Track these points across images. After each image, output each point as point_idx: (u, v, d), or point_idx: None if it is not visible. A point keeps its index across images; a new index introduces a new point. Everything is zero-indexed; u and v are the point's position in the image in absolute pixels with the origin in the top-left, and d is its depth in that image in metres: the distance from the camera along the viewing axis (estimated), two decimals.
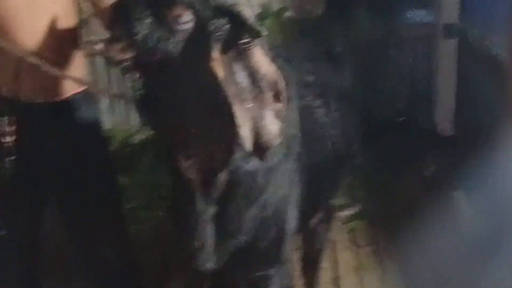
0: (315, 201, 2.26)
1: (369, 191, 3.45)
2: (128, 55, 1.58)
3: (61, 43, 2.07)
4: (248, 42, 1.59)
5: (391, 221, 3.27)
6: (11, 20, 1.99)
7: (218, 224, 1.82)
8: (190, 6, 1.57)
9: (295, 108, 1.94)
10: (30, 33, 2.00)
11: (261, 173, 1.79)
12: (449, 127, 3.91)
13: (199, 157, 1.69)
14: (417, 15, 4.28)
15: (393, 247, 3.10)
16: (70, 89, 2.14)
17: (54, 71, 2.00)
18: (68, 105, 2.15)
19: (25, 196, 2.25)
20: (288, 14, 4.29)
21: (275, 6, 4.29)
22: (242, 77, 1.60)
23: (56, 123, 2.14)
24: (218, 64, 1.57)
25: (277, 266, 1.95)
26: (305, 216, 2.33)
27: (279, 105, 1.63)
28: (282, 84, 1.63)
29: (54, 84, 2.10)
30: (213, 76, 1.57)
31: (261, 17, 4.28)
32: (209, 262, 1.85)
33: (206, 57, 1.57)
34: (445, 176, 3.47)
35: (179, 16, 1.56)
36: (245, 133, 1.59)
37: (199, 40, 1.57)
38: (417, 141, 3.66)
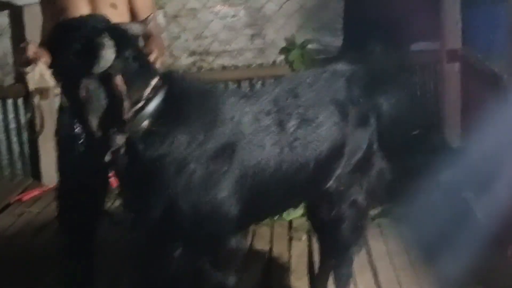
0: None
1: (392, 193, 3.94)
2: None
3: None
4: None
5: (412, 217, 3.77)
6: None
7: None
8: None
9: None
10: None
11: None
12: (456, 139, 4.52)
13: None
14: (422, 45, 4.91)
15: (416, 237, 3.61)
16: None
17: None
18: None
19: None
20: (310, 46, 4.90)
21: (299, 39, 4.91)
22: None
23: None
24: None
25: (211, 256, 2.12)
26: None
27: None
28: None
29: None
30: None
31: (287, 49, 4.89)
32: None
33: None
34: (456, 180, 3.99)
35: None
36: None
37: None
38: (430, 151, 4.20)
